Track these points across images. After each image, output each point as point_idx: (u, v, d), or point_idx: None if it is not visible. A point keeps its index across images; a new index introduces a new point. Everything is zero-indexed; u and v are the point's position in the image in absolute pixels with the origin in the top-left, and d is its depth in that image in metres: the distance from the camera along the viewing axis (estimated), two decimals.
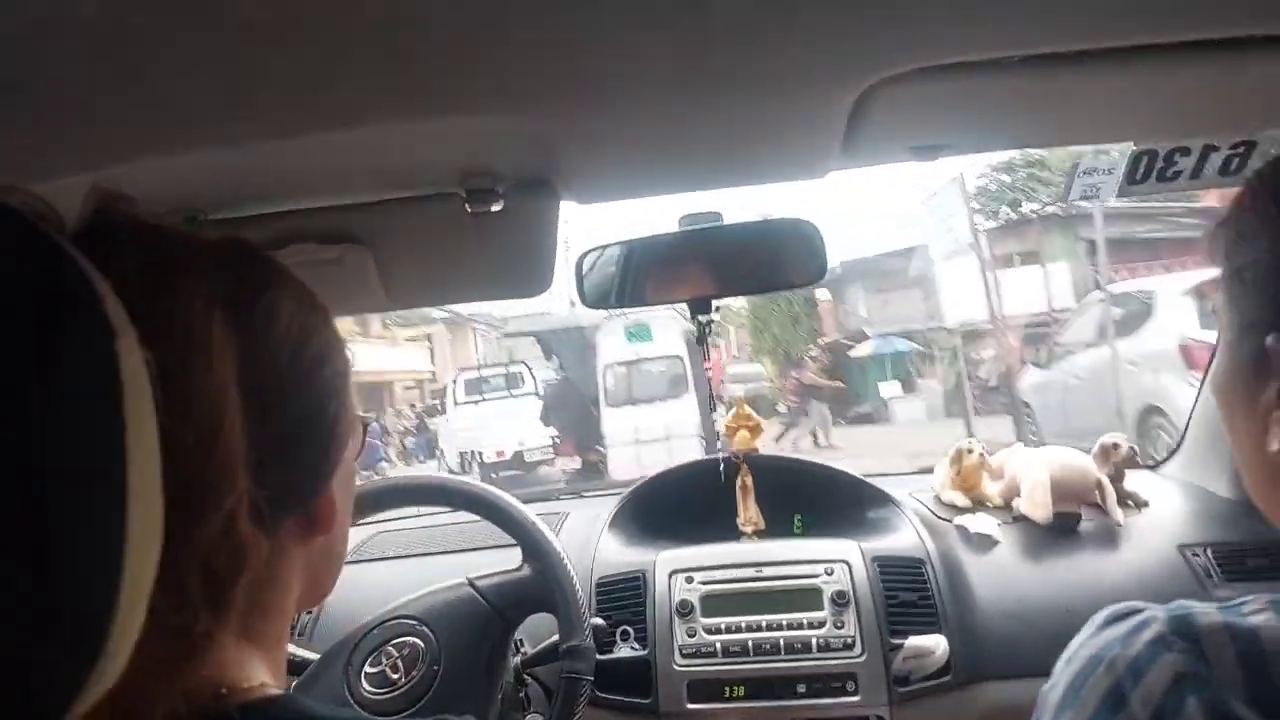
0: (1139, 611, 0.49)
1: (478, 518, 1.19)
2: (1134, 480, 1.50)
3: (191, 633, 0.45)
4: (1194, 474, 1.53)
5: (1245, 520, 1.35)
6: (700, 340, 1.10)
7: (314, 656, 1.11)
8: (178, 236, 0.51)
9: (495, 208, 0.90)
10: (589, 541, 1.44)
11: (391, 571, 1.45)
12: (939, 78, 0.72)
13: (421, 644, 1.04)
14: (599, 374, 9.13)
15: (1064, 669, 0.51)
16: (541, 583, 1.10)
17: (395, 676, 1.02)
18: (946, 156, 0.92)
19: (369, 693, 1.01)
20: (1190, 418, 1.58)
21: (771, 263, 1.05)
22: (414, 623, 1.06)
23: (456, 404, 12.17)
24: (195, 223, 0.85)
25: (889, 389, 17.47)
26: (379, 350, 24.61)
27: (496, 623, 1.08)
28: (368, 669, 1.03)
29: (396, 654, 1.04)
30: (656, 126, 0.79)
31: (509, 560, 1.15)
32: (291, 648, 1.13)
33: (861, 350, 20.12)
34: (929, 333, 18.41)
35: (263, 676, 0.52)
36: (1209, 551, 1.30)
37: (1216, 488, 1.46)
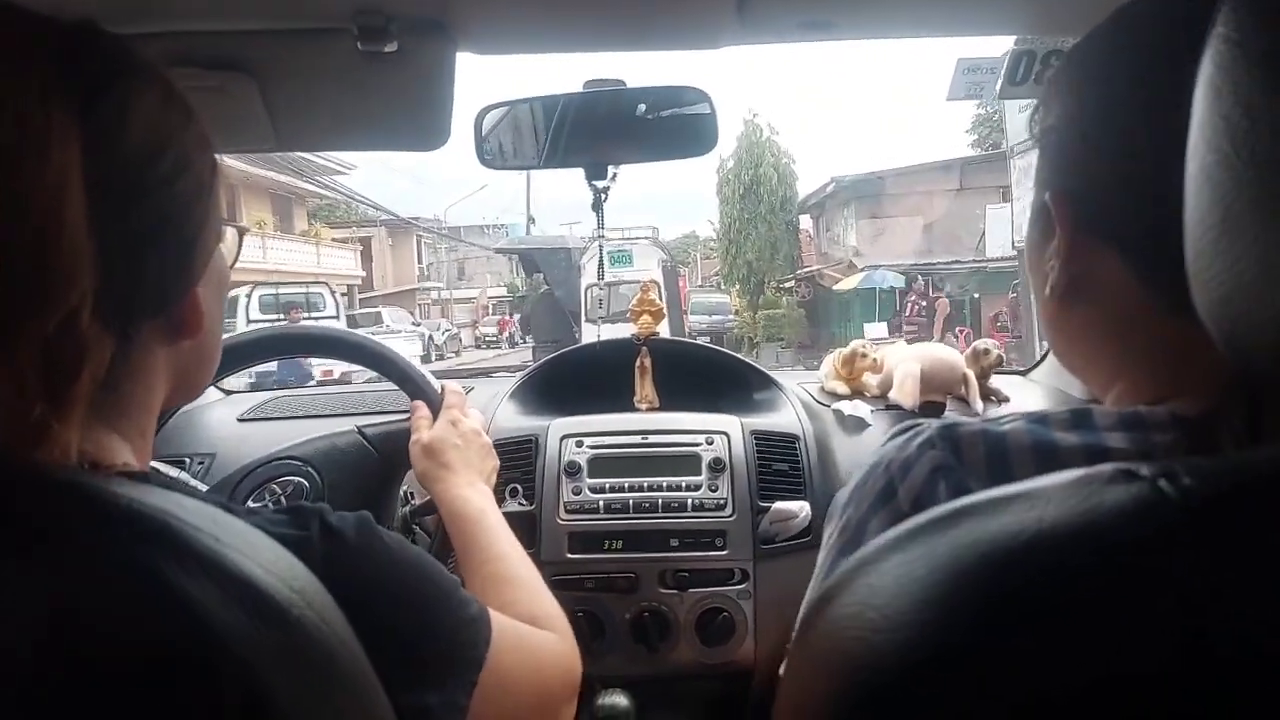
0: (917, 425, 0.56)
1: (382, 386, 1.21)
2: (1002, 381, 1.62)
3: (28, 419, 0.44)
4: (1056, 379, 1.66)
5: None
6: (596, 207, 1.12)
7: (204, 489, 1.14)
8: (20, 14, 0.49)
9: (388, 48, 0.89)
10: (486, 409, 1.48)
11: (286, 428, 1.48)
12: None
13: (305, 484, 1.08)
14: (581, 292, 9.80)
15: (856, 475, 0.58)
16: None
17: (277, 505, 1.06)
18: (836, 37, 0.95)
19: None
20: None
21: (670, 129, 1.08)
22: (299, 463, 1.09)
23: (249, 322, 11.37)
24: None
25: (875, 330, 14.97)
26: (303, 249, 23.39)
27: (382, 469, 1.11)
28: (250, 504, 1.07)
29: (280, 491, 1.07)
30: None
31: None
32: (188, 478, 1.16)
33: (846, 284, 18.00)
34: (926, 268, 16.44)
35: (125, 457, 0.55)
36: None
37: (1074, 390, 1.59)
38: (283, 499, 1.08)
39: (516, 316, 32.64)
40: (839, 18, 0.93)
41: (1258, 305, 0.30)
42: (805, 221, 24.17)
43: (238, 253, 0.66)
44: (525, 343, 27.32)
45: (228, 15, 0.86)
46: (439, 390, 1.09)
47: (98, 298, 0.47)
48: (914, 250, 17.17)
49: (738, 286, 23.32)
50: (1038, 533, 0.29)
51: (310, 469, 1.09)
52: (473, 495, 0.93)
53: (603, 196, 1.13)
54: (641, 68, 1.09)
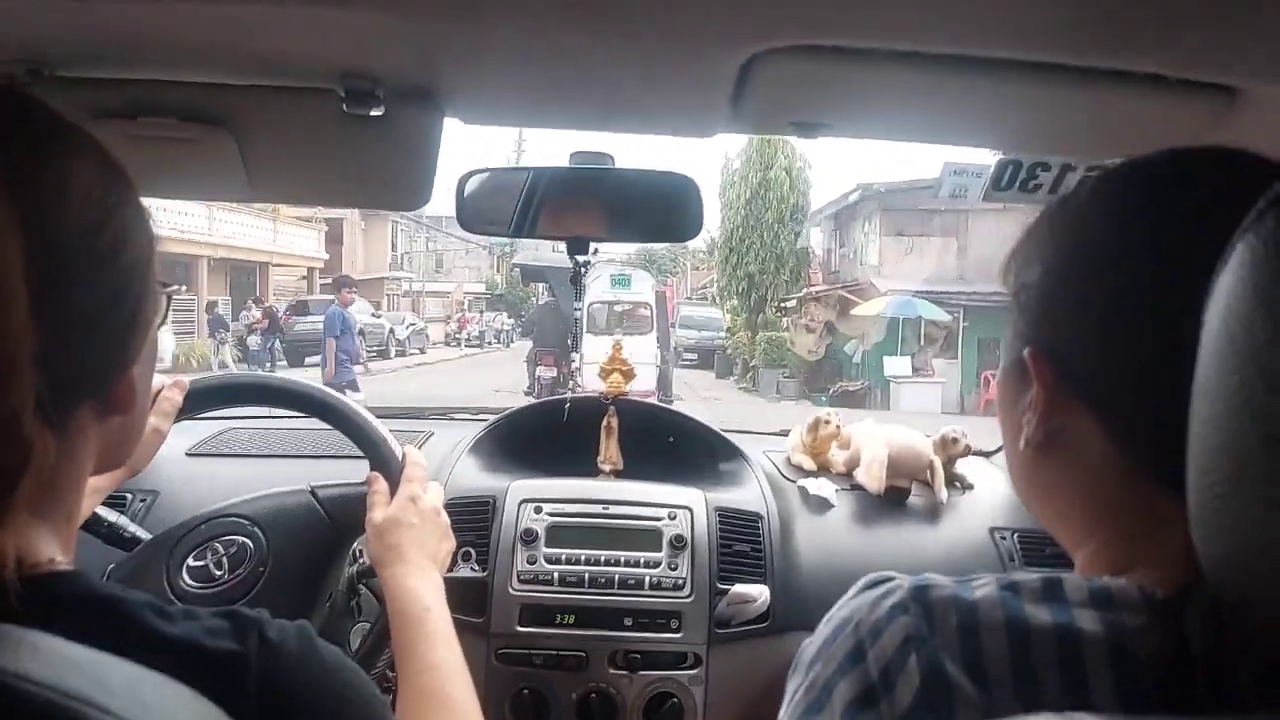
0: (889, 580, 0.55)
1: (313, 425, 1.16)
2: (967, 465, 1.62)
3: None
4: None
5: None
6: (574, 280, 1.10)
7: (146, 536, 1.08)
8: None
9: (375, 112, 0.87)
10: (445, 464, 1.44)
11: (236, 469, 1.42)
12: (820, 58, 0.74)
13: (250, 544, 1.03)
14: (584, 307, 11.40)
15: (823, 628, 0.56)
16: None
17: (218, 573, 1.01)
18: (826, 135, 0.95)
19: (189, 585, 1.00)
20: None
21: (653, 213, 1.06)
22: (245, 522, 1.04)
23: None
24: (37, 76, 0.78)
25: (896, 365, 13.11)
26: (256, 225, 21.77)
27: (331, 535, 1.07)
28: (191, 561, 1.02)
29: (223, 550, 1.02)
30: (542, 54, 0.78)
31: (358, 471, 1.15)
32: (127, 522, 1.10)
33: (868, 308, 15.27)
34: (959, 297, 14.16)
35: (52, 552, 0.51)
36: (1015, 536, 1.43)
37: None
38: (224, 559, 1.02)
39: (488, 315, 31.75)
40: (829, 120, 0.93)
41: (1264, 582, 0.28)
42: (814, 236, 21.64)
43: (165, 315, 0.63)
44: (497, 344, 26.77)
45: (209, 68, 0.83)
46: (400, 457, 1.05)
47: (38, 394, 0.43)
48: (944, 275, 14.68)
49: (735, 301, 20.66)
50: None
51: (257, 529, 1.04)
52: (421, 588, 0.88)
53: (582, 270, 1.11)
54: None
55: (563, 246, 1.09)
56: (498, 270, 39.31)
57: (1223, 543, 0.30)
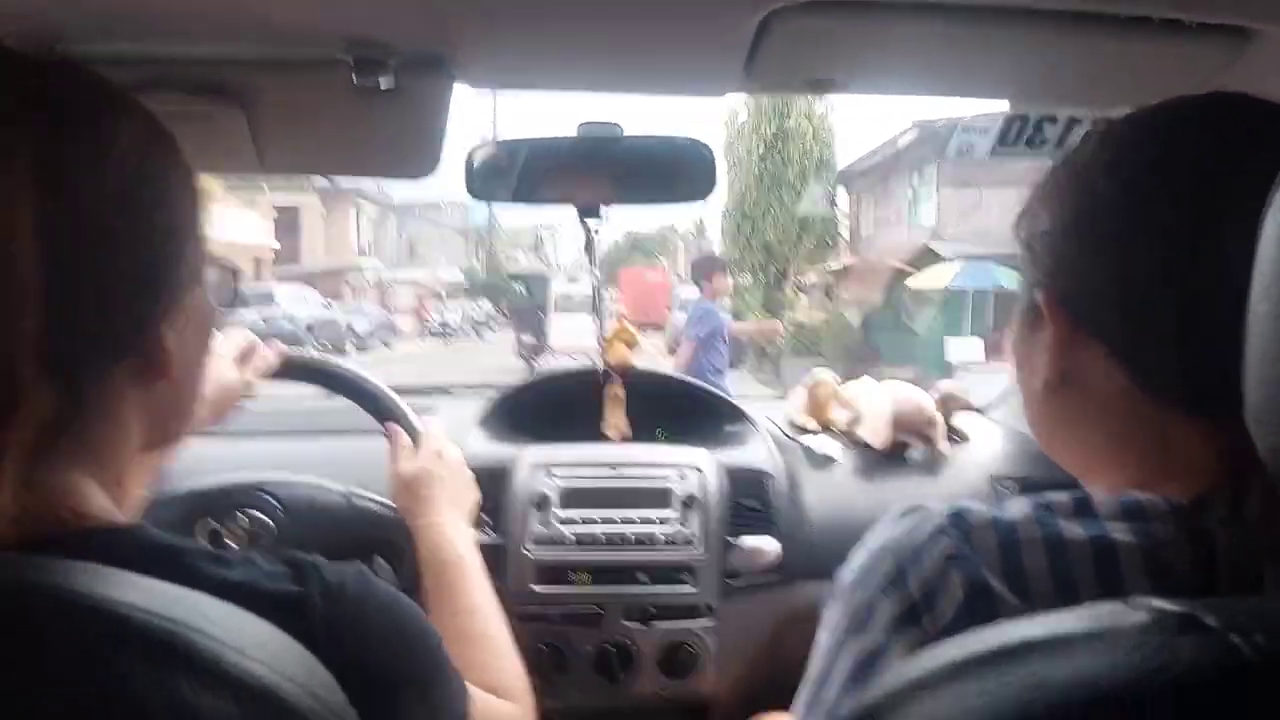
0: (925, 508, 0.57)
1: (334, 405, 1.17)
2: (964, 419, 1.65)
3: None
4: (1016, 419, 1.70)
5: (1049, 460, 1.52)
6: (587, 247, 1.11)
7: None
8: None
9: (384, 82, 0.87)
10: (455, 434, 1.45)
11: (249, 450, 1.41)
12: (836, 13, 0.75)
13: (271, 525, 1.03)
14: (550, 298, 17.31)
15: (859, 556, 0.59)
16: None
17: (230, 544, 1.01)
18: (840, 92, 0.96)
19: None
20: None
21: (662, 175, 1.07)
22: (275, 504, 1.04)
23: None
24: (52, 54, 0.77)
25: (962, 349, 10.20)
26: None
27: (352, 547, 1.04)
28: (210, 522, 1.02)
29: (245, 524, 1.03)
30: (554, 13, 0.78)
31: (364, 446, 1.15)
32: None
33: (931, 278, 12.38)
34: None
35: (105, 508, 0.52)
36: (1015, 484, 1.46)
37: (1029, 430, 1.63)
38: (242, 532, 1.02)
39: (464, 304, 29.18)
40: (844, 76, 0.93)
41: None
42: (841, 198, 17.79)
43: (234, 293, 0.64)
44: (468, 334, 25.24)
45: (217, 42, 0.82)
46: (418, 424, 1.06)
47: (45, 343, 0.44)
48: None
49: (748, 278, 17.25)
50: (1112, 683, 0.29)
51: (281, 513, 1.03)
52: (457, 536, 0.91)
53: (594, 235, 1.12)
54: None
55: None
56: (475, 256, 37.90)
57: None
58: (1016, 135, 1.09)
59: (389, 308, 28.16)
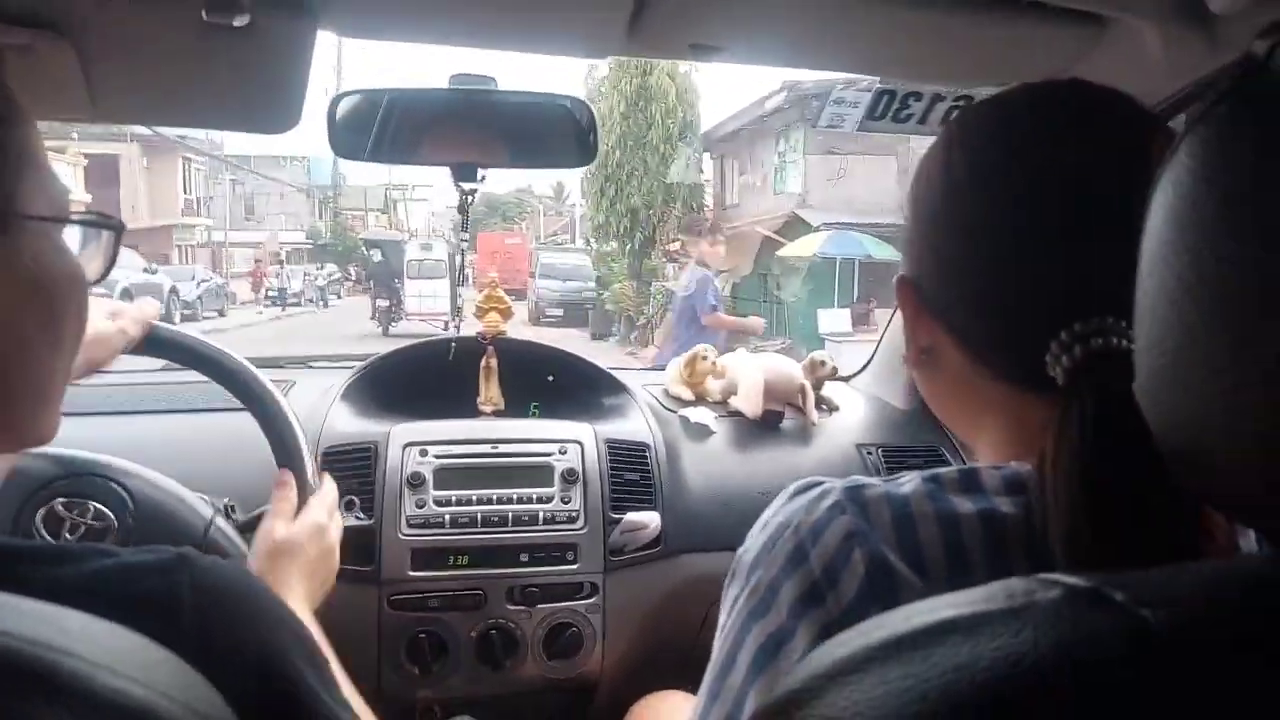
0: (820, 484, 0.57)
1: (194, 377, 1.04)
2: (830, 389, 1.72)
3: None
4: (878, 388, 1.79)
5: (910, 427, 1.61)
6: (462, 210, 1.05)
7: None
8: None
9: (238, 20, 0.78)
10: (317, 411, 1.36)
11: (95, 430, 1.25)
12: None
13: (116, 525, 0.91)
14: (405, 263, 17.65)
15: (758, 535, 0.58)
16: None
17: (68, 535, 0.89)
18: (721, 60, 0.95)
19: (33, 528, 0.88)
20: (880, 341, 1.83)
21: (544, 138, 1.03)
22: (128, 500, 0.92)
23: None
24: None
25: (833, 320, 10.10)
26: None
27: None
28: (56, 505, 0.89)
29: (88, 514, 0.90)
30: None
31: (233, 426, 1.05)
32: None
33: (800, 247, 11.97)
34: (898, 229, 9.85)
35: None
36: (880, 451, 1.54)
37: (892, 399, 1.72)
38: (84, 524, 0.89)
39: (306, 267, 27.29)
40: (728, 44, 0.93)
41: (1221, 437, 0.32)
42: (706, 165, 16.90)
43: (108, 263, 0.54)
44: (307, 303, 23.38)
45: None
46: (312, 477, 0.97)
47: None
48: (883, 204, 11.51)
49: (614, 244, 16.65)
50: (1034, 659, 0.29)
51: (129, 516, 0.90)
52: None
53: (469, 200, 1.06)
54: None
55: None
56: (320, 217, 35.13)
57: (1174, 405, 0.33)
58: (884, 109, 1.13)
59: (222, 272, 25.68)
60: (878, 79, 1.09)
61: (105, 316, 0.89)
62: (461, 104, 0.99)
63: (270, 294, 23.59)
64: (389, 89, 0.99)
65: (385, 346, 1.62)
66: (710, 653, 0.57)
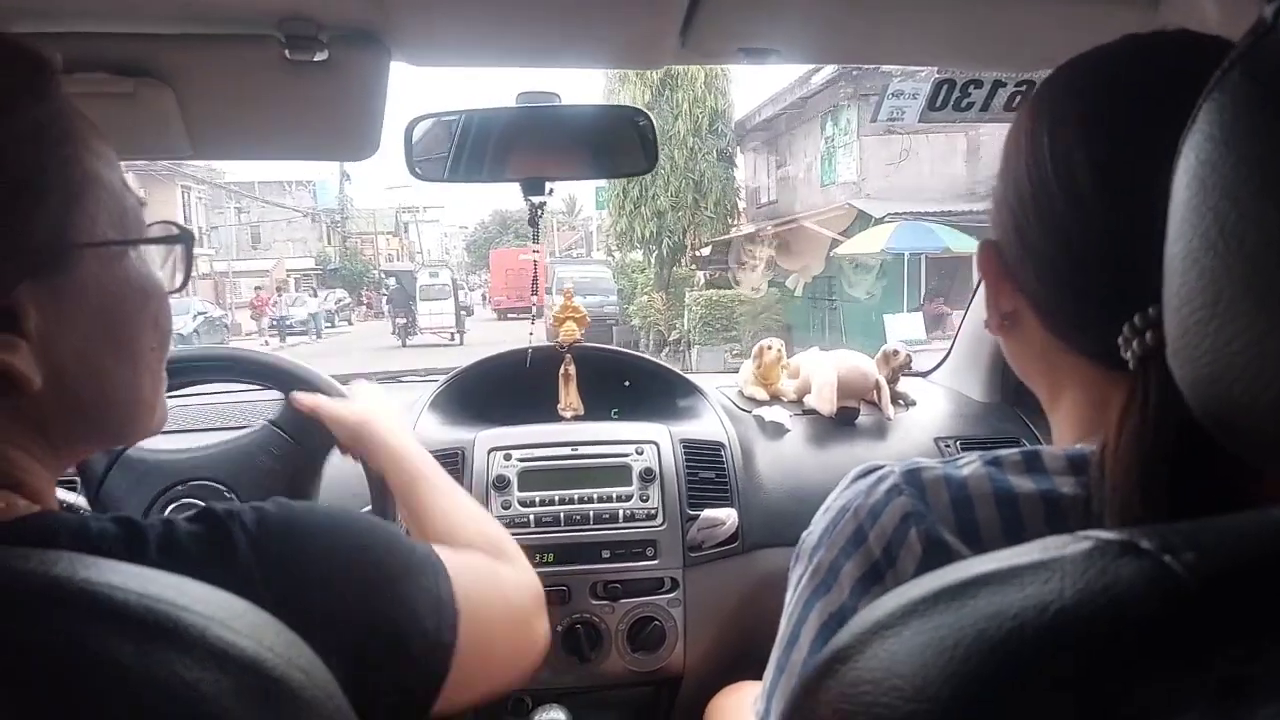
0: (879, 469, 0.59)
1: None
2: (907, 384, 1.70)
3: None
4: (956, 381, 1.76)
5: (990, 419, 1.58)
6: (532, 222, 1.10)
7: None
8: None
9: (318, 57, 0.85)
10: (407, 419, 1.44)
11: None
12: None
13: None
14: (417, 288, 21.60)
15: (820, 519, 0.60)
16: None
17: None
18: (774, 62, 0.97)
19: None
20: (957, 335, 1.80)
21: (605, 148, 1.07)
22: (221, 488, 1.02)
23: None
24: None
25: (905, 325, 8.61)
26: None
27: (303, 458, 1.04)
28: (183, 501, 0.99)
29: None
30: None
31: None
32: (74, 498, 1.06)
33: (863, 243, 10.52)
34: (969, 219, 9.55)
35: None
36: (958, 444, 1.51)
37: (971, 393, 1.69)
38: None
39: (314, 295, 27.48)
40: (779, 45, 0.95)
41: (1250, 386, 0.32)
42: (740, 161, 15.02)
43: (185, 272, 0.57)
44: (305, 333, 23.03)
45: (141, 18, 0.79)
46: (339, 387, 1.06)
47: None
48: (952, 190, 10.23)
49: (638, 254, 15.46)
50: (1061, 608, 0.31)
51: (231, 493, 1.02)
52: (416, 450, 0.88)
53: (539, 212, 1.11)
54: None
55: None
56: (328, 241, 34.77)
57: (1204, 364, 0.34)
58: (944, 99, 1.12)
59: (225, 303, 25.84)
60: (935, 69, 1.09)
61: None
62: (530, 120, 1.04)
63: (274, 323, 23.32)
64: (462, 110, 1.05)
65: (405, 356, 1.70)
66: None
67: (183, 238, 0.56)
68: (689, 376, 1.63)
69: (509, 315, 23.89)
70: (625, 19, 0.87)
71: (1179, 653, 0.29)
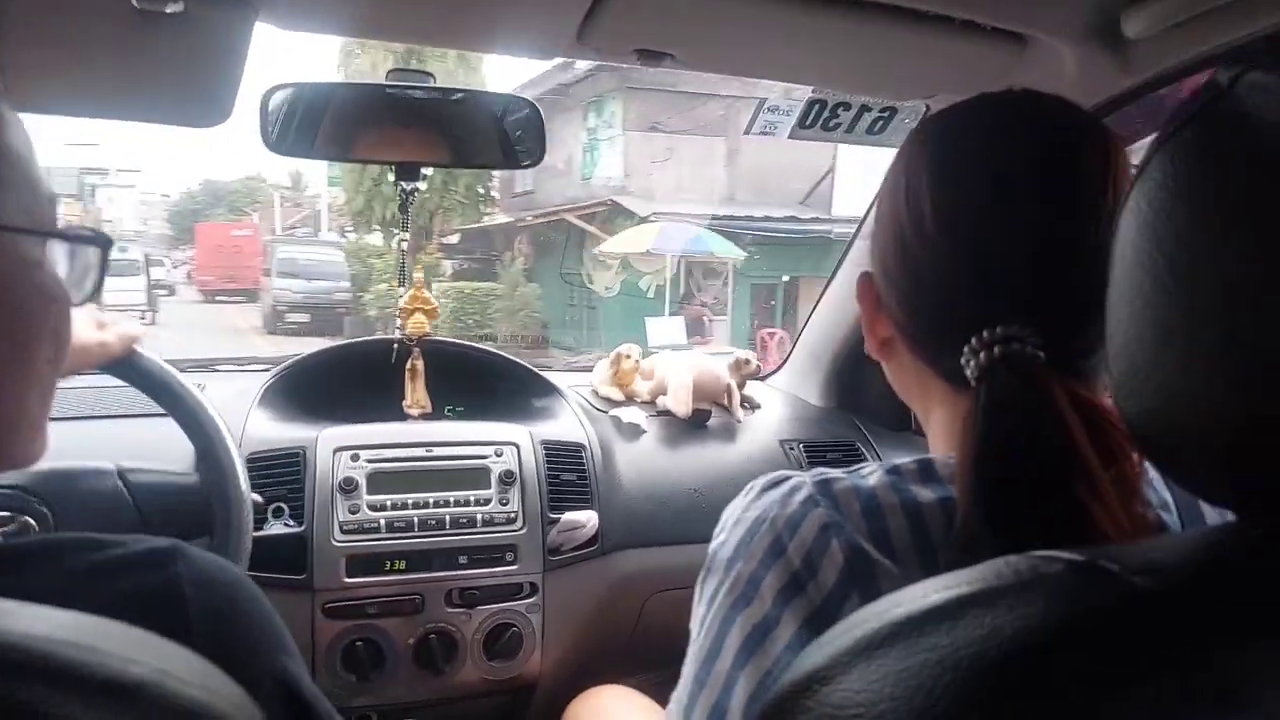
0: (789, 479, 0.60)
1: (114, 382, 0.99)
2: (751, 387, 1.77)
3: None
4: (794, 385, 1.85)
5: (827, 424, 1.68)
6: (403, 209, 1.03)
7: None
8: None
9: (170, 9, 0.74)
10: (235, 416, 1.30)
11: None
12: None
13: (35, 527, 0.86)
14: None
15: (733, 530, 0.60)
16: (207, 502, 0.96)
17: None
18: (668, 66, 0.97)
19: None
20: (797, 340, 1.90)
21: (488, 137, 1.02)
22: (33, 499, 0.87)
23: None
24: None
25: (664, 330, 8.69)
26: None
27: (137, 529, 0.92)
28: None
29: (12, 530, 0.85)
30: None
31: (166, 443, 1.00)
32: None
33: (628, 241, 10.36)
34: (736, 225, 9.50)
35: None
36: (801, 446, 1.60)
37: (809, 397, 1.79)
38: None
39: None
40: (675, 50, 0.95)
41: (1199, 418, 0.36)
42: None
43: (96, 281, 0.49)
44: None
45: None
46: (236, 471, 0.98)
47: None
48: (711, 193, 10.08)
49: (379, 236, 14.46)
50: (1048, 626, 0.32)
51: (45, 509, 0.86)
52: None
53: (410, 199, 1.04)
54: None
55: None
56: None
57: (1151, 399, 0.37)
58: (814, 118, 1.18)
59: None
60: (810, 88, 1.13)
61: (92, 326, 0.84)
62: (403, 100, 0.97)
63: None
64: (327, 83, 0.96)
65: None
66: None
67: (99, 240, 0.49)
68: (546, 375, 1.60)
69: (218, 298, 20.17)
70: (525, 4, 0.84)
71: (1149, 665, 0.32)
